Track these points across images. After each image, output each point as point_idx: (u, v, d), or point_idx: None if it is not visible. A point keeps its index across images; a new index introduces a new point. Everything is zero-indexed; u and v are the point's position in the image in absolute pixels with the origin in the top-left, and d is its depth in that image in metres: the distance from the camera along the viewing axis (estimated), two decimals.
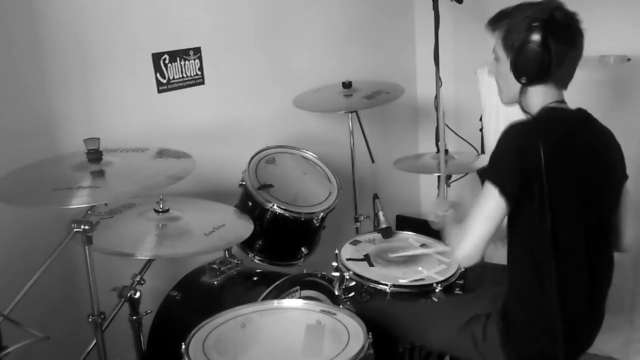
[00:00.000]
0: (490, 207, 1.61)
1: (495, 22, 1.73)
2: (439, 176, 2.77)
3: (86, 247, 1.69)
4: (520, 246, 1.63)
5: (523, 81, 1.69)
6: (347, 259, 2.25)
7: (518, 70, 1.69)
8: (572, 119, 1.72)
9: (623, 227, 1.80)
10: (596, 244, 1.69)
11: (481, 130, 3.08)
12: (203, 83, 2.67)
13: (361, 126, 2.90)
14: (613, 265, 1.77)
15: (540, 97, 1.71)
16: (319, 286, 2.29)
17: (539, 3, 1.68)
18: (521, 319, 1.70)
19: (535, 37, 1.62)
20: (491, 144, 2.95)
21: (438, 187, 2.80)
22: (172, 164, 1.90)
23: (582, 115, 1.74)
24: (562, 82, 1.73)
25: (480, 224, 1.62)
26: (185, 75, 2.60)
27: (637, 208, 1.85)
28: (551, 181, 1.58)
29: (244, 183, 2.38)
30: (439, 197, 2.06)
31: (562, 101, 1.73)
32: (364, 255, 2.28)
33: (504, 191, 1.59)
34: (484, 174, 1.66)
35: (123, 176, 1.80)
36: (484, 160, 2.82)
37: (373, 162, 3.02)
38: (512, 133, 1.65)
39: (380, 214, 2.44)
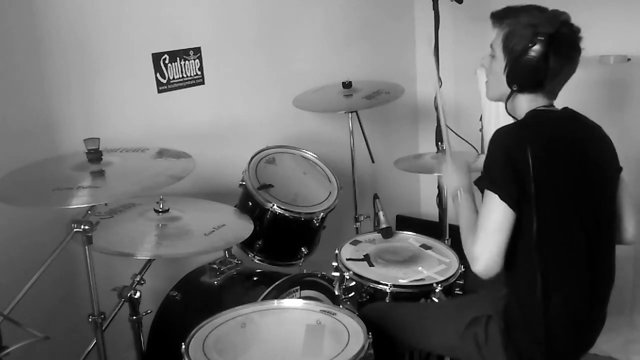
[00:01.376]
0: (495, 215, 1.60)
1: (500, 17, 1.73)
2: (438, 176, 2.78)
3: (86, 247, 1.69)
4: (518, 248, 1.63)
5: (514, 88, 1.70)
6: (347, 259, 2.25)
7: (512, 77, 1.69)
8: (557, 119, 1.72)
9: (624, 219, 1.79)
10: (597, 243, 1.69)
11: (481, 130, 3.08)
12: (203, 83, 2.66)
13: (361, 126, 2.90)
14: (615, 266, 1.76)
15: (527, 103, 1.72)
16: (319, 286, 2.29)
17: (547, 12, 1.68)
18: (522, 320, 1.70)
19: (537, 49, 1.62)
20: None
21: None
22: (172, 164, 1.90)
23: (568, 114, 1.74)
24: (552, 94, 1.74)
25: (491, 235, 1.60)
26: (185, 75, 2.59)
27: (637, 208, 1.84)
28: (541, 183, 1.58)
29: (244, 183, 2.38)
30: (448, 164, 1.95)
31: (550, 106, 1.74)
32: (364, 255, 2.28)
33: (503, 197, 1.58)
34: (481, 183, 1.66)
35: (123, 176, 1.80)
36: (484, 159, 2.83)
37: (373, 162, 3.02)
38: (499, 138, 1.65)
39: (380, 214, 2.44)
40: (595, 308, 1.73)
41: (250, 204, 2.36)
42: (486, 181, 1.64)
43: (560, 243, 1.65)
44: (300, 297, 2.20)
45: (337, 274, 2.22)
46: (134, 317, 1.95)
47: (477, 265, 1.61)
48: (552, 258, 1.63)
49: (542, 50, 1.62)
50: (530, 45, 1.63)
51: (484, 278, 1.61)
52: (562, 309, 1.66)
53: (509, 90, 1.72)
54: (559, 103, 1.76)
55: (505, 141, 1.65)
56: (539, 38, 1.62)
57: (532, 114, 1.71)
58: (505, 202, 1.58)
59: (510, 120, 1.77)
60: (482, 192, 1.65)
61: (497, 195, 1.59)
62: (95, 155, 1.80)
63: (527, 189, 1.58)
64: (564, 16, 1.66)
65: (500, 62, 1.72)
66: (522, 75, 1.67)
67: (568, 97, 1.76)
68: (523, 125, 1.70)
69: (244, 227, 2.14)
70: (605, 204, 1.74)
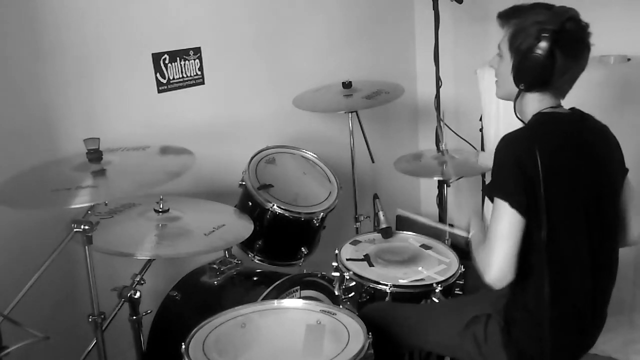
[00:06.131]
0: (505, 223, 1.58)
1: (506, 17, 1.70)
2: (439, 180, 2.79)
3: (86, 247, 1.69)
4: (525, 252, 1.60)
5: (521, 87, 1.68)
6: (347, 259, 2.25)
7: (518, 76, 1.67)
8: (565, 121, 1.71)
9: (628, 221, 1.77)
10: (600, 244, 1.68)
11: (481, 130, 3.09)
12: (203, 83, 2.67)
13: (361, 126, 2.90)
14: (617, 265, 1.76)
15: (535, 104, 1.70)
16: (319, 286, 2.29)
17: (553, 9, 1.65)
18: (523, 319, 1.70)
19: (542, 46, 1.60)
20: (491, 144, 2.97)
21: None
22: (173, 160, 1.90)
23: (575, 116, 1.72)
24: (561, 92, 1.72)
25: (501, 243, 1.57)
26: (185, 75, 2.59)
27: (638, 209, 1.84)
28: (551, 188, 1.57)
29: (244, 183, 2.39)
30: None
31: (558, 106, 1.72)
32: (364, 255, 2.28)
33: (513, 204, 1.56)
34: (490, 191, 1.63)
35: (123, 174, 1.79)
36: (484, 157, 2.83)
37: (373, 162, 3.02)
38: (507, 143, 1.64)
39: (380, 214, 2.45)
40: (596, 307, 1.73)
41: (250, 204, 2.36)
42: (495, 189, 1.61)
43: (567, 247, 1.63)
44: (300, 297, 2.20)
45: (337, 274, 2.22)
46: (134, 317, 1.95)
47: (489, 274, 1.58)
48: (560, 262, 1.62)
49: (547, 47, 1.60)
50: (535, 42, 1.61)
51: (497, 287, 1.59)
52: (567, 312, 1.65)
53: (516, 90, 1.70)
54: None
55: (513, 145, 1.62)
56: (543, 35, 1.60)
57: (539, 117, 1.69)
58: (515, 209, 1.56)
59: (511, 119, 1.76)
60: (492, 200, 1.63)
61: (507, 203, 1.57)
62: (95, 155, 1.79)
63: (537, 195, 1.57)
64: (571, 12, 1.64)
65: (508, 62, 1.70)
66: (529, 73, 1.65)
67: (567, 97, 1.75)
68: (530, 130, 1.68)
69: (244, 227, 2.14)
70: (611, 207, 1.73)
